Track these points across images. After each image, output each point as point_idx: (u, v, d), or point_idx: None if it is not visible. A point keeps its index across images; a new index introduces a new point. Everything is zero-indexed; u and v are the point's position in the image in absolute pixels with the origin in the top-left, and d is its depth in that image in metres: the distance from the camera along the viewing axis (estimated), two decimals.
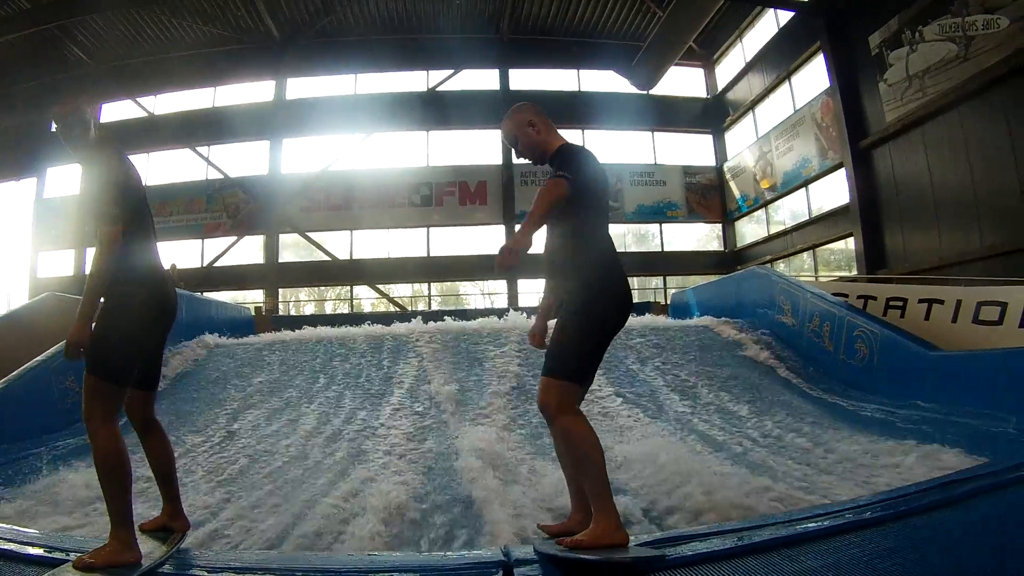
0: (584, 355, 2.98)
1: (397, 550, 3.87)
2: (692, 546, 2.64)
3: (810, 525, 2.88)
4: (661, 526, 4.08)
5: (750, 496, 4.35)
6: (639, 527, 4.04)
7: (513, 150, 3.40)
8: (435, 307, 24.12)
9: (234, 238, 24.24)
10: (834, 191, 19.17)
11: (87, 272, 2.86)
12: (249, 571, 2.66)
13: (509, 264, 2.77)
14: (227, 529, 4.30)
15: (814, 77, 19.81)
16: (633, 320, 10.17)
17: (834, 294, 9.92)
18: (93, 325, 2.84)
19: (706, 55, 25.95)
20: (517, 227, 18.06)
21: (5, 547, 2.80)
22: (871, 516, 3.01)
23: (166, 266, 3.17)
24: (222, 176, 24.51)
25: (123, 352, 2.86)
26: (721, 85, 25.79)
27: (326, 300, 27.03)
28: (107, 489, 2.72)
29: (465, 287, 26.93)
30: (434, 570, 2.61)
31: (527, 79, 25.51)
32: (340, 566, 2.81)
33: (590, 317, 2.96)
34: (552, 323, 3.17)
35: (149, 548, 2.81)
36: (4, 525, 3.52)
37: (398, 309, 22.93)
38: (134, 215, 3.02)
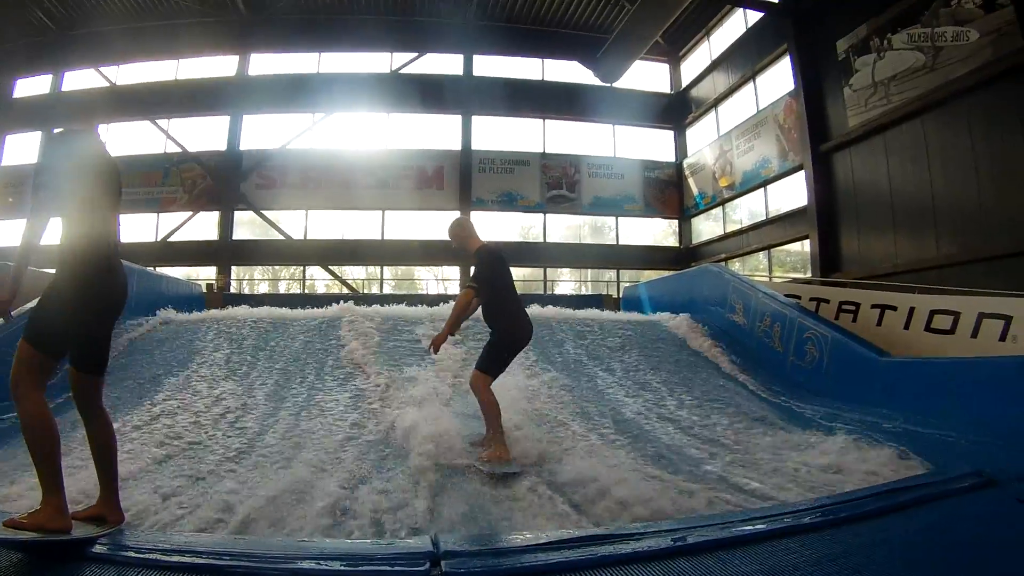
0: (499, 362, 5.32)
1: (331, 533, 3.77)
2: (625, 545, 2.64)
3: (747, 528, 2.91)
4: (596, 524, 3.90)
5: (681, 496, 4.25)
6: (568, 522, 3.93)
7: (453, 244, 5.55)
8: (387, 291, 23.80)
9: (189, 213, 23.76)
10: (793, 193, 19.26)
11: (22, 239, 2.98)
12: (177, 553, 2.58)
13: (437, 348, 5.24)
14: (161, 510, 4.09)
15: (779, 78, 19.88)
16: (582, 313, 11.34)
17: (787, 295, 9.93)
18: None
19: (672, 51, 25.99)
20: (473, 214, 18.04)
21: None
22: (810, 521, 3.02)
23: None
24: (180, 150, 24.00)
25: (57, 324, 2.93)
26: (685, 81, 25.83)
27: (280, 280, 26.61)
28: (34, 455, 2.80)
29: (419, 272, 26.70)
30: (363, 559, 2.57)
31: (491, 65, 25.33)
32: (268, 551, 2.75)
33: (505, 343, 5.33)
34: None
35: (81, 533, 2.79)
36: None
37: (351, 291, 22.59)
38: (92, 201, 3.10)
